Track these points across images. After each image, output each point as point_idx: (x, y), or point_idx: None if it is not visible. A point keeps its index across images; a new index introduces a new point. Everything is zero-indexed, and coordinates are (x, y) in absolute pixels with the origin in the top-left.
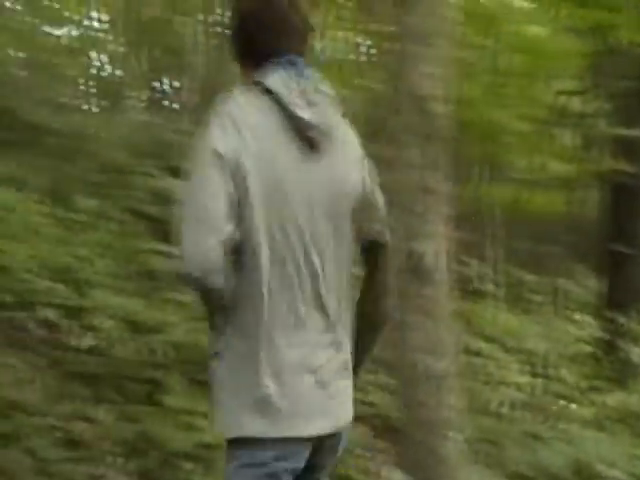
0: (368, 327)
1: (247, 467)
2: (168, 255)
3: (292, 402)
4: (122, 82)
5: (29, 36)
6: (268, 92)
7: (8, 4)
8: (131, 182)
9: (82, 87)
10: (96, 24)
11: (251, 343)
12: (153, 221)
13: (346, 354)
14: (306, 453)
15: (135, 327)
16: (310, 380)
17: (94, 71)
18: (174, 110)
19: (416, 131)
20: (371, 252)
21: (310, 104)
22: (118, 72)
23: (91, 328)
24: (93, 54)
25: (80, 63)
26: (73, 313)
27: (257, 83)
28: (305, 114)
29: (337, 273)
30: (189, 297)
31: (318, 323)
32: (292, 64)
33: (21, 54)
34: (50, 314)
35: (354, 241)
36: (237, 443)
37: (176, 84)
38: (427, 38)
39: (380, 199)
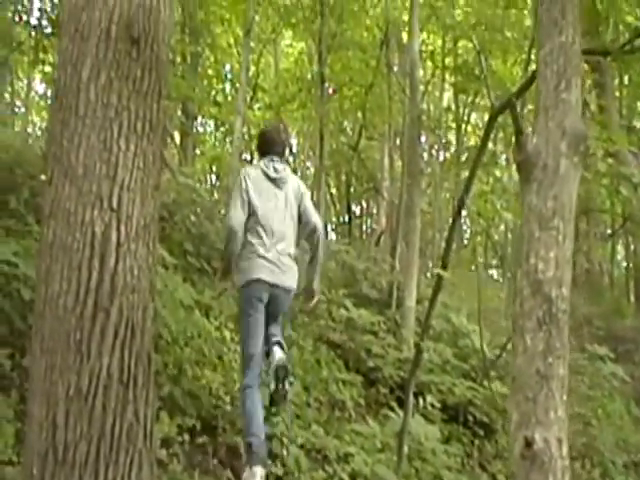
0: (312, 264)
1: (245, 294)
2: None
3: (256, 268)
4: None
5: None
6: (261, 167)
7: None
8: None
9: None
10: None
11: (246, 257)
12: (338, 348)
13: (291, 261)
14: (266, 288)
15: (320, 456)
16: (266, 262)
17: None
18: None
19: (535, 316)
20: (310, 235)
21: (276, 171)
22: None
23: (277, 456)
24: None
25: None
26: None
27: (258, 164)
28: (272, 174)
29: (288, 235)
30: (369, 428)
31: (276, 248)
32: (272, 159)
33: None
34: (233, 439)
35: (300, 228)
36: (242, 287)
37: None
38: (548, 221)
39: (312, 209)
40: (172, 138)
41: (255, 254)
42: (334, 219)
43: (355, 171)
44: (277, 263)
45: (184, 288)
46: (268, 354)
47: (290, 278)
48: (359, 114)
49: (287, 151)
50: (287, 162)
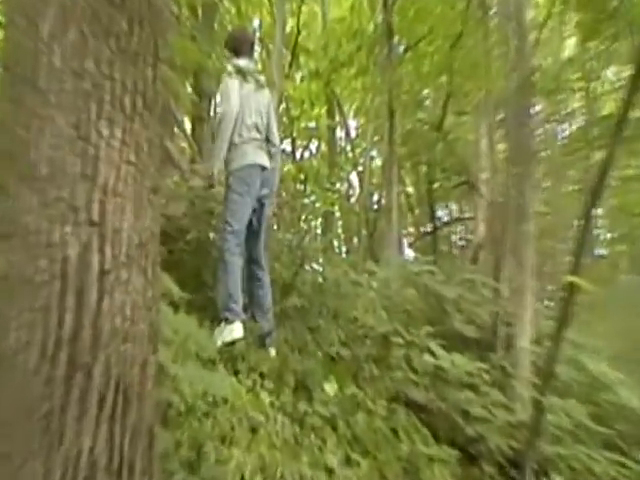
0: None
1: (238, 177)
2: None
3: (249, 155)
4: None
5: None
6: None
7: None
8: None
9: None
10: None
11: (240, 144)
12: (423, 411)
13: (266, 151)
14: (259, 173)
15: None
16: (254, 150)
17: None
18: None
19: None
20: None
21: (258, 76)
22: None
23: None
24: None
25: None
26: None
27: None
28: (257, 77)
29: (263, 129)
30: None
31: (257, 143)
32: (249, 61)
33: None
34: None
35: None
36: (236, 171)
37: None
38: None
39: (274, 123)
40: (180, 125)
41: (251, 140)
42: (412, 229)
43: (440, 160)
44: (265, 154)
45: (201, 334)
46: (251, 292)
47: (266, 159)
48: (443, 79)
49: None
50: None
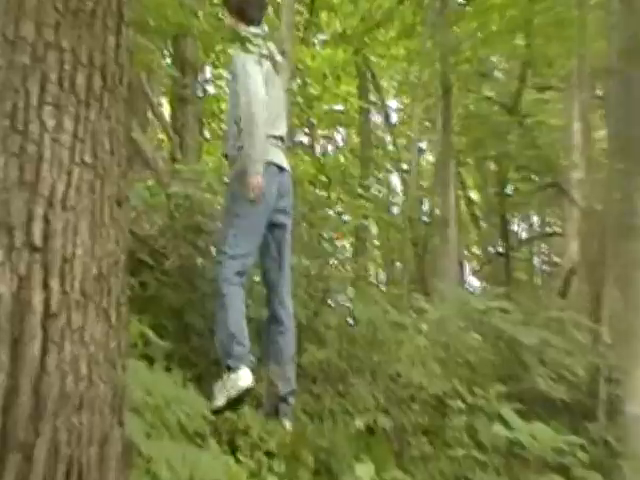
0: None
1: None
2: None
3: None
4: None
5: None
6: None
7: None
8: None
9: None
10: None
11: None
12: None
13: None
14: (276, 175)
15: None
16: (269, 147)
17: None
18: None
19: None
20: None
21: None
22: None
23: None
24: None
25: None
26: None
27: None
28: (277, 57)
29: (280, 123)
30: None
31: (273, 140)
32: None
33: None
34: None
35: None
36: (240, 173)
37: None
38: None
39: None
40: (154, 109)
41: (266, 136)
42: (476, 249)
43: (515, 154)
44: (283, 153)
45: (187, 397)
46: (269, 340)
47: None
48: (519, 41)
49: None
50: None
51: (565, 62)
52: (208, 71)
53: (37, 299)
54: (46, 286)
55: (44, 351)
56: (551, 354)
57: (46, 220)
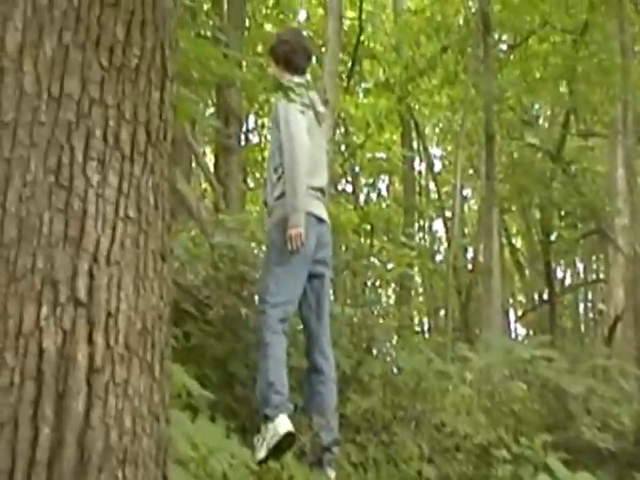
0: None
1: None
2: None
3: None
4: None
5: None
6: (310, 97)
7: None
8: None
9: None
10: None
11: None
12: None
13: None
14: (314, 226)
15: None
16: (309, 198)
17: None
18: None
19: None
20: None
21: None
22: None
23: None
24: None
25: None
26: None
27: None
28: (319, 107)
29: (322, 174)
30: None
31: (313, 192)
32: (304, 80)
33: None
34: None
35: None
36: (280, 223)
37: None
38: None
39: None
40: (198, 159)
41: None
42: (520, 297)
43: (559, 201)
44: (323, 204)
45: (231, 447)
46: (311, 390)
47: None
48: (562, 88)
49: None
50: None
51: (609, 109)
52: (252, 120)
53: (82, 354)
54: (91, 341)
55: (88, 405)
56: (597, 403)
57: (91, 275)
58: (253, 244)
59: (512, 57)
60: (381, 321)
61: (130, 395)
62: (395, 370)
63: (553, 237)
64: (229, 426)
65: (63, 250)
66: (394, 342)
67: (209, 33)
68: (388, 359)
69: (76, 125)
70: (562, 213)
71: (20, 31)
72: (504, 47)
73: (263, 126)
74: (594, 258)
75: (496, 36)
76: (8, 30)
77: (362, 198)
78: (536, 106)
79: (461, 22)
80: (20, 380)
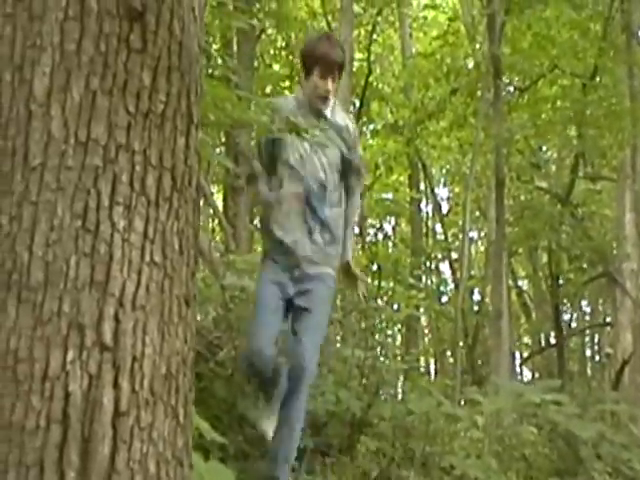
0: None
1: None
2: None
3: None
4: None
5: None
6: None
7: None
8: None
9: None
10: None
11: None
12: None
13: None
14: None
15: None
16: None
17: None
18: None
19: None
20: None
21: None
22: None
23: None
24: None
25: None
26: None
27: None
28: None
29: None
30: None
31: None
32: None
33: None
34: None
35: None
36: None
37: None
38: None
39: None
40: (207, 198)
41: None
42: (527, 340)
43: (567, 244)
44: None
45: None
46: None
47: None
48: (571, 132)
49: None
50: None
51: (617, 153)
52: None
53: (107, 398)
54: (116, 385)
55: (114, 450)
56: (607, 448)
57: (116, 319)
58: None
59: (521, 100)
60: (387, 362)
61: (155, 439)
62: (405, 413)
63: (561, 281)
64: (240, 469)
65: (89, 294)
66: (403, 384)
67: (217, 73)
68: (397, 401)
69: (103, 170)
70: (570, 256)
71: (48, 76)
72: (513, 90)
73: None
74: (601, 301)
75: (505, 79)
76: (36, 75)
77: (369, 239)
78: (544, 149)
79: (470, 65)
80: (46, 424)
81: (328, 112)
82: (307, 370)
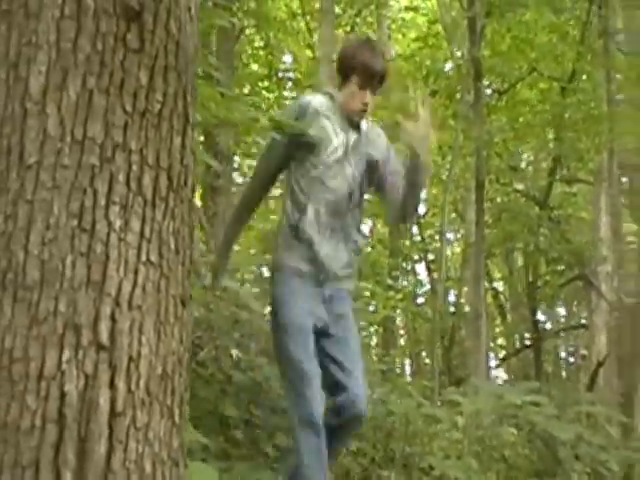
0: None
1: None
2: None
3: None
4: None
5: None
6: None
7: None
8: None
9: None
10: None
11: None
12: None
13: None
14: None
15: None
16: None
17: None
18: None
19: None
20: None
21: None
22: None
23: None
24: None
25: None
26: None
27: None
28: None
29: None
30: None
31: None
32: None
33: None
34: None
35: None
36: None
37: None
38: None
39: None
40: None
41: None
42: (501, 341)
43: (544, 247)
44: None
45: None
46: None
47: None
48: (549, 135)
49: None
50: None
51: (594, 156)
52: (237, 160)
53: (103, 398)
54: (112, 385)
55: (110, 450)
56: (585, 449)
57: (113, 319)
58: (244, 286)
59: (500, 103)
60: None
61: (150, 440)
62: (385, 413)
63: (539, 284)
64: (222, 470)
65: (85, 294)
66: (381, 385)
67: (200, 71)
68: (377, 402)
69: (99, 169)
70: (548, 259)
71: (44, 74)
72: (493, 93)
73: (251, 167)
74: (575, 303)
75: (485, 82)
76: (32, 73)
77: None
78: (524, 153)
79: (450, 67)
80: (42, 423)
81: (364, 125)
82: (365, 412)
